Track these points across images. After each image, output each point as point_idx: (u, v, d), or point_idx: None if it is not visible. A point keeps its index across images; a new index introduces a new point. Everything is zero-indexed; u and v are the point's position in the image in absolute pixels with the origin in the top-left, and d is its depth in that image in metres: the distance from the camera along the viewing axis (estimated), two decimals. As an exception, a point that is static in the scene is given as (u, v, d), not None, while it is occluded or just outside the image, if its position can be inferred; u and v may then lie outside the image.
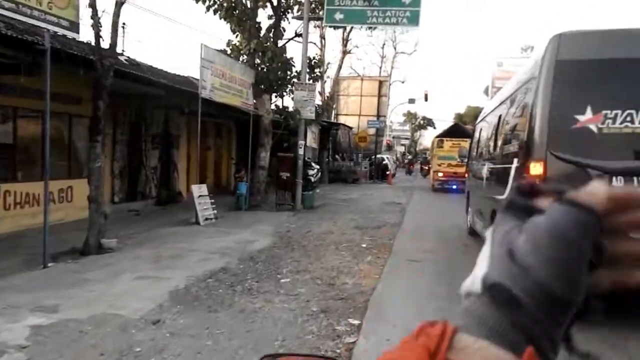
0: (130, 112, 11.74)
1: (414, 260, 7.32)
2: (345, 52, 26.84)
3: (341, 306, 5.07)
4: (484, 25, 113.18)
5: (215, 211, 10.99)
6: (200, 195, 10.67)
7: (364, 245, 8.46)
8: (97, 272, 6.17)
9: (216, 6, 13.31)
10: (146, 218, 11.27)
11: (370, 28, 26.96)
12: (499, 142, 7.09)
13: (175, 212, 12.14)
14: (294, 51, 40.61)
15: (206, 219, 10.57)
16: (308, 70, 14.84)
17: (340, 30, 26.34)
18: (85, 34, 7.83)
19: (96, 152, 7.39)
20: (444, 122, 56.69)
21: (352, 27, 26.24)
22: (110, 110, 11.23)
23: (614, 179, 4.32)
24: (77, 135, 10.62)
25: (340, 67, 27.03)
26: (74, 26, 6.91)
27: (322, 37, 26.19)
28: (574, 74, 4.84)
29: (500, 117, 7.31)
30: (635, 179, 4.57)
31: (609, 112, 4.65)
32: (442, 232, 10.45)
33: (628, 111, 4.62)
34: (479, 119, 10.74)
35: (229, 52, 13.50)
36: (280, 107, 14.47)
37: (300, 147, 14.05)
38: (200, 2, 13.31)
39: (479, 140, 9.80)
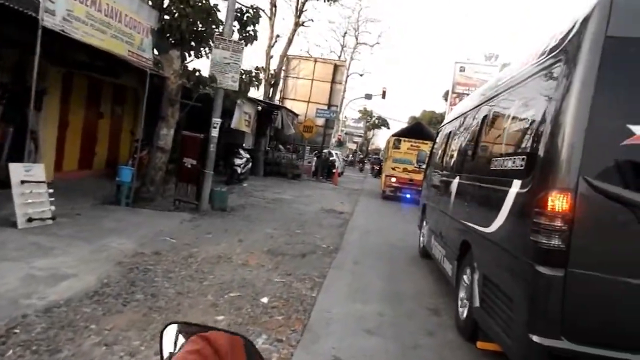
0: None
1: (344, 360, 3.76)
2: (297, 24, 22.97)
3: None
4: (447, 29, 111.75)
5: (53, 207, 7.06)
6: (25, 182, 6.72)
7: (264, 301, 4.86)
8: None
9: None
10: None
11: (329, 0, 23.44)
12: (483, 152, 5.08)
13: (8, 201, 8.06)
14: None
15: (30, 219, 6.64)
16: (238, 26, 11.06)
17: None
18: None
19: None
20: (399, 123, 54.32)
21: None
22: None
23: None
24: None
25: (290, 41, 23.11)
26: None
27: (274, 4, 22.27)
28: (631, 60, 3.10)
29: (485, 118, 5.26)
30: None
31: None
32: (396, 275, 7.01)
33: None
34: (448, 120, 8.79)
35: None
36: (192, 69, 10.47)
37: (215, 127, 10.27)
38: None
39: (445, 146, 7.68)
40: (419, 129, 19.72)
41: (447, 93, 52.60)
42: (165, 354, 0.98)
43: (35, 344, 3.30)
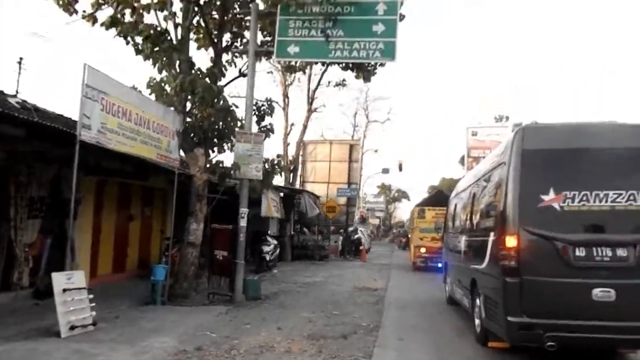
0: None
1: None
2: (310, 111, 24.02)
3: None
4: (456, 95, 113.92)
5: (94, 313, 7.16)
6: (67, 290, 6.89)
7: (313, 387, 4.76)
8: None
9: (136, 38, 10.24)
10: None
11: (339, 84, 24.62)
12: (475, 217, 7.59)
13: (49, 311, 8.18)
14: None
15: (73, 326, 6.73)
16: (256, 119, 11.65)
17: (305, 86, 23.81)
18: None
19: None
20: (419, 194, 54.36)
21: (318, 83, 23.84)
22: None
23: (576, 249, 5.40)
24: None
25: (305, 127, 24.08)
26: None
27: (286, 95, 23.47)
28: (537, 161, 5.79)
29: (474, 194, 7.82)
30: (594, 248, 5.40)
31: (568, 192, 5.57)
32: (443, 348, 6.80)
33: (584, 192, 5.55)
34: (453, 194, 10.95)
35: (149, 93, 10.21)
36: (215, 162, 10.96)
37: (243, 217, 10.51)
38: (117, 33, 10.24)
39: (454, 214, 10.13)
40: (442, 197, 19.72)
41: (462, 158, 53.00)
42: None
43: None
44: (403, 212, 77.36)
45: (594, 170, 5.68)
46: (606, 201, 5.51)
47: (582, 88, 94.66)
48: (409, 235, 24.36)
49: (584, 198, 5.52)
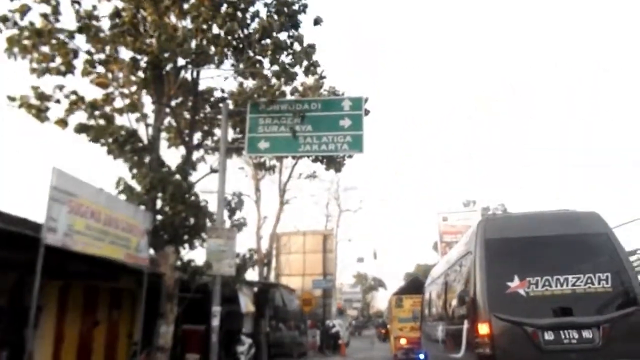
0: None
1: None
2: (282, 203, 24.15)
3: None
4: (425, 181, 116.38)
5: None
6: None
7: None
8: None
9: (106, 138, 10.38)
10: None
11: (310, 176, 25.07)
12: (449, 305, 7.68)
13: None
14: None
15: None
16: (228, 214, 11.63)
17: (277, 179, 24.12)
18: None
19: None
20: (396, 281, 53.78)
21: (289, 176, 24.22)
22: None
23: (545, 332, 5.52)
24: None
25: (278, 220, 24.09)
26: None
27: (258, 189, 23.67)
28: (500, 249, 6.12)
29: (447, 282, 8.05)
30: (561, 332, 5.54)
31: (531, 279, 5.80)
32: None
33: (546, 277, 5.79)
34: (428, 282, 11.07)
35: (118, 192, 10.13)
36: (186, 260, 10.70)
37: (215, 316, 10.10)
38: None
39: (429, 303, 10.14)
40: (418, 284, 19.49)
41: (435, 244, 53.30)
42: None
43: None
44: (380, 301, 75.91)
45: (553, 256, 5.99)
46: (567, 285, 5.76)
47: (577, 86, 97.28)
48: (388, 326, 23.67)
49: (547, 283, 5.76)
